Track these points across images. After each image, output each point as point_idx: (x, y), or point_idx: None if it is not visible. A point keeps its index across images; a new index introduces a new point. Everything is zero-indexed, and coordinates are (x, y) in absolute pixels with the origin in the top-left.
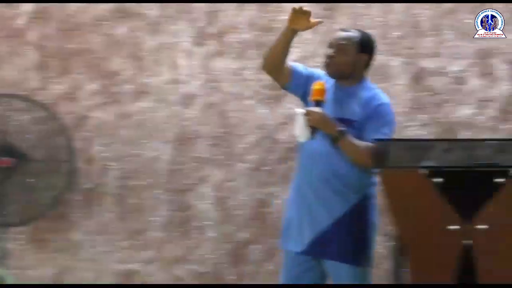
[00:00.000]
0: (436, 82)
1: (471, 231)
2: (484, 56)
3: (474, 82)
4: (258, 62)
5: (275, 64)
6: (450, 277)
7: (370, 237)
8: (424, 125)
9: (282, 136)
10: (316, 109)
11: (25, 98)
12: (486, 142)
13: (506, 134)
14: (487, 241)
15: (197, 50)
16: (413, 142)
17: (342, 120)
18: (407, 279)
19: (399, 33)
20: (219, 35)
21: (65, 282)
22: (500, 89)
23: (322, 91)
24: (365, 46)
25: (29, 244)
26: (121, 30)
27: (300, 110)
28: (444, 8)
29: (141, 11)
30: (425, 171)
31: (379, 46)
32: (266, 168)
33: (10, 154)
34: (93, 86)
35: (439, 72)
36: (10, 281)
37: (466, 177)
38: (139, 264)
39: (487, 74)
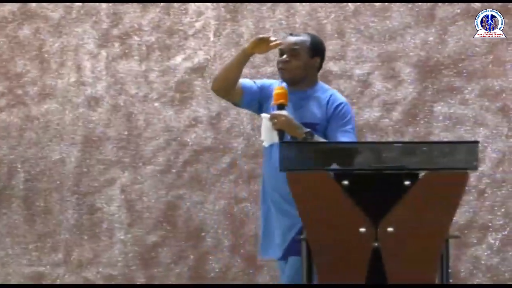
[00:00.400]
0: (342, 85)
1: (380, 234)
2: (388, 59)
3: (378, 85)
4: (163, 64)
5: (228, 85)
6: (360, 279)
7: None
8: None
9: (189, 138)
10: (281, 112)
11: None
12: (394, 145)
13: (411, 137)
14: (395, 243)
15: (101, 52)
16: (320, 145)
17: (305, 125)
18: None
19: None
20: (123, 37)
21: None
22: (405, 92)
23: (284, 94)
24: (317, 49)
25: None
26: (25, 31)
27: (265, 115)
28: (347, 11)
29: (45, 13)
30: (332, 174)
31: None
32: (174, 170)
33: None
34: None
35: (344, 75)
36: None
37: (373, 180)
38: (48, 267)
39: (391, 77)
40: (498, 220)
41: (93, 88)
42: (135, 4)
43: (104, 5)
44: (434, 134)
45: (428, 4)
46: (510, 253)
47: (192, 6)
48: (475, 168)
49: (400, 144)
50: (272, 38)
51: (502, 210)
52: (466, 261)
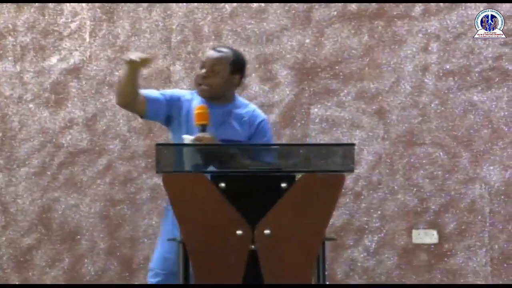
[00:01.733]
0: None
1: (256, 236)
2: (265, 61)
3: (255, 87)
4: (38, 65)
5: (128, 99)
6: (237, 282)
7: None
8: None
9: (64, 140)
10: (206, 135)
11: None
12: (271, 147)
13: (289, 139)
14: (272, 246)
15: None
16: (198, 147)
17: (228, 142)
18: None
19: (180, 38)
20: None
21: None
22: (282, 94)
23: (205, 115)
24: (238, 66)
25: None
26: None
27: (188, 136)
28: (224, 12)
29: None
30: (209, 176)
31: (161, 50)
32: (49, 172)
33: None
34: None
35: None
36: None
37: (251, 182)
38: None
39: (268, 79)
40: (374, 222)
41: None
42: (9, 4)
43: None
44: (311, 136)
45: (305, 6)
46: (386, 255)
47: (68, 6)
48: (351, 170)
49: (277, 146)
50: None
51: (378, 212)
52: (343, 263)
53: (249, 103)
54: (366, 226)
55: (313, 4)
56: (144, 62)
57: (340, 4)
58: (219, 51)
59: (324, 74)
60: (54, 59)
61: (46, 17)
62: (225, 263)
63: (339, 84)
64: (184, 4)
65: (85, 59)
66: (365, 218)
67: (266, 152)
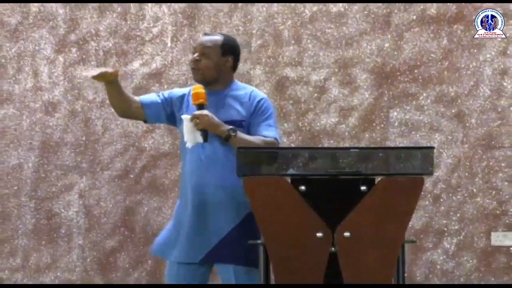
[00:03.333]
0: (298, 91)
1: (336, 239)
2: (344, 65)
3: (335, 91)
4: (120, 69)
5: (121, 110)
6: (317, 284)
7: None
8: (287, 133)
9: (147, 144)
10: (202, 112)
11: None
12: (350, 150)
13: (368, 143)
14: (352, 248)
15: (58, 57)
16: (277, 150)
17: (231, 122)
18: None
19: (260, 42)
20: (80, 42)
21: None
22: (361, 98)
23: (202, 94)
24: (229, 48)
25: None
26: None
27: (186, 116)
28: (304, 17)
29: (1, 18)
30: (289, 179)
31: (241, 54)
32: (131, 176)
33: None
34: None
35: (301, 81)
36: None
37: (330, 185)
38: (6, 272)
39: (348, 83)
40: (453, 225)
41: (50, 93)
42: (92, 9)
43: (61, 10)
44: (390, 139)
45: (384, 10)
46: (465, 258)
47: (149, 11)
48: (430, 173)
49: (356, 150)
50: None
51: (457, 215)
52: (422, 265)
53: (247, 86)
54: (445, 229)
55: (393, 8)
56: (103, 75)
57: (419, 9)
58: (209, 35)
59: (403, 78)
60: (136, 64)
61: (128, 22)
62: (306, 265)
63: (418, 88)
64: (264, 9)
65: (166, 63)
66: (444, 221)
67: (270, 131)
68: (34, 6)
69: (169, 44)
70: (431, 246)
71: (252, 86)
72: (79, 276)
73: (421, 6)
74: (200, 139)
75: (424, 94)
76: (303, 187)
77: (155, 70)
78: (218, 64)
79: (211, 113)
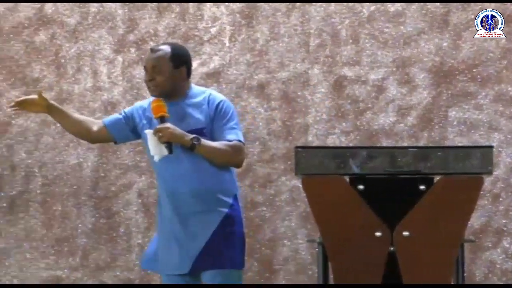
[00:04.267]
0: (357, 90)
1: (395, 238)
2: (402, 64)
3: (393, 90)
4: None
5: (82, 134)
6: (376, 283)
7: (242, 241)
8: (345, 132)
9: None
10: (164, 124)
11: None
12: (408, 149)
13: (426, 142)
14: (411, 247)
15: (117, 57)
16: (335, 149)
17: (192, 132)
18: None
19: (318, 42)
20: (139, 42)
21: None
22: (419, 97)
23: (162, 106)
24: (179, 59)
25: None
26: (41, 37)
27: (149, 131)
28: (362, 16)
29: (61, 18)
30: (348, 178)
31: (299, 54)
32: None
33: None
34: (14, 93)
35: (359, 81)
36: None
37: (389, 184)
38: (65, 270)
39: (406, 82)
40: None
41: (109, 93)
42: (150, 10)
43: (120, 10)
44: (448, 139)
45: (442, 9)
46: None
47: (208, 11)
48: (490, 172)
49: (415, 149)
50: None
51: None
52: (481, 265)
53: (205, 89)
54: (505, 228)
55: (451, 7)
56: (25, 102)
57: (477, 8)
58: (155, 51)
59: (462, 77)
60: (194, 64)
61: (187, 22)
62: (364, 265)
63: (476, 87)
64: (322, 8)
65: (224, 63)
66: (504, 220)
67: (233, 133)
68: (93, 7)
69: (227, 44)
70: (490, 245)
71: (209, 89)
72: (138, 275)
73: (479, 5)
74: (165, 151)
75: (483, 93)
76: (361, 186)
77: (213, 70)
78: (172, 77)
79: (173, 124)
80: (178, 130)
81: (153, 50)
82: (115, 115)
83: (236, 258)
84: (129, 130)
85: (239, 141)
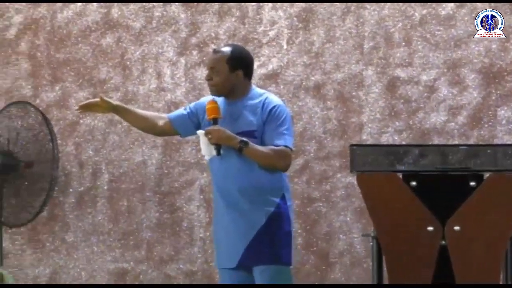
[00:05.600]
0: (409, 91)
1: (447, 232)
2: (453, 66)
3: (444, 91)
4: None
5: (147, 129)
6: (428, 276)
7: (289, 239)
8: (398, 131)
9: None
10: (214, 127)
11: (21, 105)
12: (459, 147)
13: (476, 140)
14: (461, 242)
15: (180, 59)
16: (388, 147)
17: (242, 133)
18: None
19: (372, 44)
20: (201, 45)
21: (60, 281)
22: (469, 97)
23: (215, 109)
24: (236, 62)
25: (26, 245)
26: (107, 40)
27: (201, 131)
28: (414, 20)
29: (127, 22)
30: (401, 175)
31: (353, 56)
32: None
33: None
34: (83, 93)
35: (411, 81)
36: (10, 281)
37: (440, 181)
38: (131, 263)
39: (456, 83)
40: None
41: (172, 94)
42: (211, 14)
43: (182, 15)
44: (497, 137)
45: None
46: None
47: (266, 15)
48: None
49: (465, 147)
50: (96, 100)
51: None
52: None
53: (264, 92)
54: None
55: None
56: (89, 106)
57: None
58: (216, 52)
59: (510, 77)
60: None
61: (246, 26)
62: (417, 257)
63: None
64: (376, 12)
65: (282, 65)
66: None
67: (282, 139)
68: (157, 11)
69: (285, 47)
70: None
71: (267, 92)
72: (200, 268)
73: None
74: (214, 152)
75: None
76: (414, 183)
77: (272, 71)
78: (228, 79)
79: (226, 124)
80: (227, 133)
81: (214, 51)
82: (180, 110)
83: (282, 255)
84: (192, 125)
85: (286, 146)
